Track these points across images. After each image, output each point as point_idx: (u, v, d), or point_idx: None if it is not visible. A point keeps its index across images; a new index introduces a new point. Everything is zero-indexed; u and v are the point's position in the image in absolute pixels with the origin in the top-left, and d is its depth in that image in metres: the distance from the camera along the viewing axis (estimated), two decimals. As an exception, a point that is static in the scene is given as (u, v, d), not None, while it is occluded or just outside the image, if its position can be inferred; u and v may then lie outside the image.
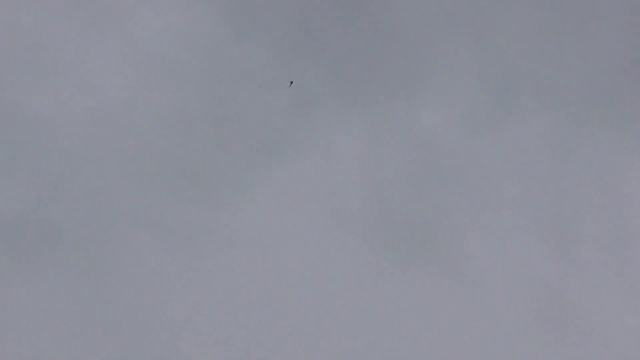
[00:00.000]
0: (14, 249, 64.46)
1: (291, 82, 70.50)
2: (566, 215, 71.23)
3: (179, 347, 62.63)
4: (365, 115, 72.21)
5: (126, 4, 73.99)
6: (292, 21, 74.74)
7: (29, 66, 72.01)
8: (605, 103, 73.16)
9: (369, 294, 68.76)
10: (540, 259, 70.52)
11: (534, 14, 75.24)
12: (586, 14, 75.15)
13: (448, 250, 70.05)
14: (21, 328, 60.42)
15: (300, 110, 72.00)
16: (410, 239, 69.98)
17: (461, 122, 72.94)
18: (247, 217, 69.35)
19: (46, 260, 64.37)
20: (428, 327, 68.24)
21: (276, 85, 72.64)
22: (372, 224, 70.06)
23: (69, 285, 63.48)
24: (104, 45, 72.65)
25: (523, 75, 73.96)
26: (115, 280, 65.16)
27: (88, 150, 69.11)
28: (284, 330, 66.75)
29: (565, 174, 71.94)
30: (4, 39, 72.59)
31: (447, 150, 72.08)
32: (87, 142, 69.39)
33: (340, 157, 71.18)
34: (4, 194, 66.60)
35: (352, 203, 70.46)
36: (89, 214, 67.65)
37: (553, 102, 73.23)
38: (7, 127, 69.88)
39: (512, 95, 73.60)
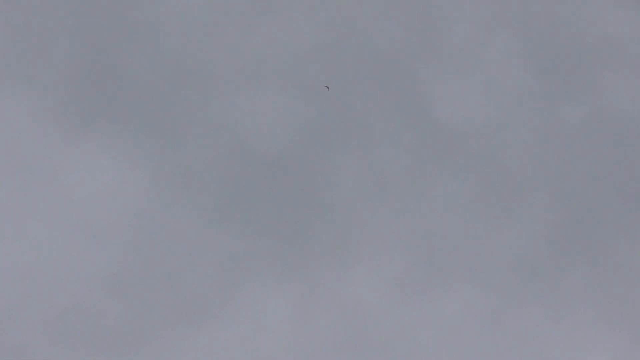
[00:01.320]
0: None
1: (327, 87, 70.39)
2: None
3: None
4: (295, 282, 72.20)
5: (57, 165, 74.16)
6: (223, 186, 75.47)
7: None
8: (532, 275, 74.35)
9: None
10: None
11: (461, 186, 77.14)
12: (513, 187, 77.28)
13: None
14: None
15: (230, 276, 71.78)
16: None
17: (391, 290, 73.26)
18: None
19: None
20: None
21: (206, 251, 72.55)
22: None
23: None
24: (34, 206, 72.31)
25: (452, 247, 75.08)
26: None
27: (14, 310, 67.76)
28: None
29: (493, 345, 72.20)
30: None
31: (376, 319, 72.05)
32: (14, 301, 68.09)
33: (269, 323, 70.64)
34: None
35: None
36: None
37: (484, 274, 74.19)
38: None
39: (442, 266, 74.46)
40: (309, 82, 79.32)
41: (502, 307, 73.21)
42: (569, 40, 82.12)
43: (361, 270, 73.62)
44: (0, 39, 77.14)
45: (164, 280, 70.88)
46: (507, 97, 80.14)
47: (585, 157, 78.60)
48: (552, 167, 78.16)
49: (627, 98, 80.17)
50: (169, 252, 71.78)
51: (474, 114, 79.71)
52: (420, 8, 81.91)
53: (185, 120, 77.24)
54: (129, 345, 68.29)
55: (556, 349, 72.40)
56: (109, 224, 72.38)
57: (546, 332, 72.51)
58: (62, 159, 74.62)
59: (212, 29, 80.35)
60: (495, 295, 73.43)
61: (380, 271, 73.84)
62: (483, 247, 75.01)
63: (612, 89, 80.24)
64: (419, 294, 73.36)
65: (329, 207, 75.54)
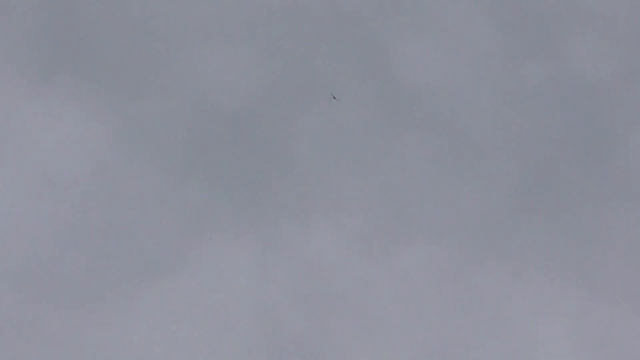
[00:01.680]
0: None
1: (334, 97, 70.68)
2: (454, 343, 71.67)
3: None
4: (256, 234, 72.44)
5: (19, 117, 73.94)
6: (186, 139, 75.50)
7: None
8: (494, 233, 74.92)
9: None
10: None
11: (423, 144, 77.55)
12: (474, 145, 77.77)
13: (335, 373, 69.67)
14: None
15: (191, 228, 71.90)
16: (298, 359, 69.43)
17: (352, 246, 73.66)
18: (133, 331, 67.98)
19: None
20: None
21: (167, 202, 72.63)
22: (258, 344, 69.34)
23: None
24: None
25: (413, 203, 75.52)
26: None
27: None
28: None
29: (453, 302, 72.76)
30: None
31: (337, 273, 72.43)
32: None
33: (230, 275, 70.84)
34: None
35: (239, 321, 69.79)
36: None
37: (444, 231, 74.69)
38: None
39: (402, 222, 74.88)
40: (273, 38, 79.49)
41: (462, 263, 73.80)
42: (532, 0, 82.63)
43: (322, 224, 73.97)
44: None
45: (125, 231, 70.93)
46: (470, 57, 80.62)
47: (547, 117, 79.25)
48: (514, 126, 78.77)
49: (590, 59, 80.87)
50: (130, 204, 71.84)
51: (437, 73, 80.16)
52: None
53: (149, 73, 77.20)
54: (89, 296, 68.36)
55: (515, 305, 73.06)
56: (71, 175, 72.32)
57: (506, 288, 73.17)
58: (24, 110, 74.44)
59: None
60: (456, 251, 74.01)
61: (341, 226, 74.22)
62: (444, 204, 75.54)
63: (575, 50, 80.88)
64: (379, 250, 73.81)
65: (291, 162, 75.79)
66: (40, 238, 69.71)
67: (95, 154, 73.25)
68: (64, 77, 75.87)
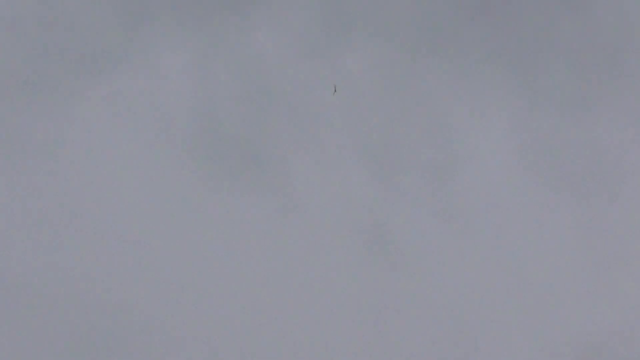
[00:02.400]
0: None
1: (335, 89, 70.01)
2: (393, 143, 72.13)
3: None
4: (197, 32, 71.29)
5: None
6: None
7: None
8: (435, 34, 74.13)
9: (193, 212, 68.33)
10: (365, 185, 71.32)
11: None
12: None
13: (275, 173, 70.11)
14: None
15: (130, 23, 70.57)
16: (237, 160, 69.74)
17: (294, 45, 72.82)
18: (71, 128, 67.86)
19: None
20: (252, 248, 68.31)
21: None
22: (199, 143, 69.53)
23: None
24: None
25: (357, 4, 74.20)
26: None
27: None
28: (110, 246, 65.85)
29: (394, 103, 72.76)
30: None
31: (278, 72, 71.94)
32: None
33: (170, 73, 70.22)
34: None
35: (179, 120, 69.72)
36: None
37: (385, 32, 73.79)
38: None
39: (346, 24, 73.81)
40: None
41: (403, 64, 73.37)
42: None
43: (266, 21, 72.80)
44: None
45: (64, 25, 69.61)
46: None
47: None
48: None
49: None
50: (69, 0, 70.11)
51: None
52: None
53: None
54: (30, 92, 67.79)
55: (458, 108, 73.26)
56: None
57: (447, 91, 73.16)
58: None
59: None
60: (398, 52, 73.41)
61: (285, 24, 73.09)
62: (387, 4, 74.26)
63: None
64: (322, 50, 73.09)
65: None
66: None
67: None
68: None
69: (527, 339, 65.54)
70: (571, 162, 72.26)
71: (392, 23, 74.02)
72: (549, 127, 72.97)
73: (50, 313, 58.58)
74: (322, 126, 71.66)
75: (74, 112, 68.29)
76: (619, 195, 70.63)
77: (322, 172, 71.08)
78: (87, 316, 61.18)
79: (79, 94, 68.70)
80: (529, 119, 73.17)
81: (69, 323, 58.88)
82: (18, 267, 61.67)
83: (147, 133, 69.04)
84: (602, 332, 67.15)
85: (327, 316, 66.20)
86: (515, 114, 73.31)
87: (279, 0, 73.34)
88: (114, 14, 70.66)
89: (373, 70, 73.19)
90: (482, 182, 71.91)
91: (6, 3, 69.42)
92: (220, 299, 66.20)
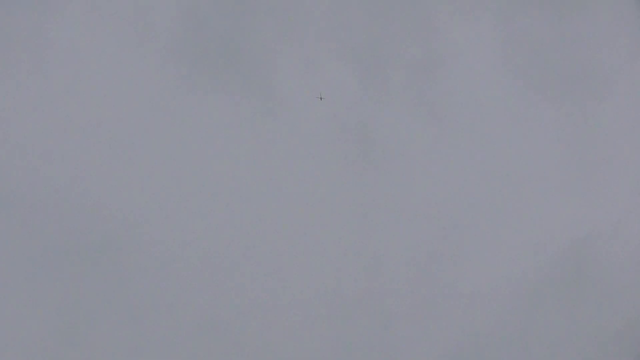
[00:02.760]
0: None
1: (321, 97, 68.84)
2: (378, 42, 71.62)
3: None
4: None
5: None
6: None
7: None
8: None
9: (176, 112, 67.97)
10: (350, 84, 71.01)
11: None
12: None
13: (258, 72, 69.62)
14: None
15: None
16: (221, 59, 69.10)
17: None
18: (55, 25, 66.82)
19: None
20: (236, 148, 68.17)
21: None
22: (182, 43, 68.75)
23: None
24: None
25: None
26: None
27: None
28: (94, 146, 65.54)
29: (378, 0, 72.02)
30: None
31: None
32: None
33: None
34: None
35: (162, 19, 68.73)
36: None
37: None
38: None
39: None
40: None
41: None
42: None
43: None
44: None
45: None
46: None
47: None
48: None
49: None
50: None
51: None
52: None
53: None
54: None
55: (443, 6, 72.65)
56: None
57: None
58: None
59: None
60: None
61: None
62: None
63: None
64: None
65: None
66: None
67: None
68: None
69: (512, 236, 66.19)
70: (556, 60, 72.06)
71: None
72: (535, 25, 72.52)
73: (38, 218, 58.21)
74: (306, 25, 70.90)
75: (57, 7, 67.14)
76: (604, 94, 70.70)
77: (306, 71, 70.59)
78: (73, 220, 60.90)
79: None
80: (514, 15, 72.62)
81: (56, 227, 58.61)
82: (5, 173, 61.09)
83: (130, 32, 68.08)
84: (584, 228, 67.89)
85: (312, 217, 66.46)
86: (501, 10, 72.70)
87: None
88: None
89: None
90: (467, 80, 71.72)
91: None
92: (205, 199, 66.19)
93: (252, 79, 69.26)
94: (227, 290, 62.63)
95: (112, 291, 59.03)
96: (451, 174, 68.34)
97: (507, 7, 72.79)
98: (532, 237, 65.75)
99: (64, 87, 66.36)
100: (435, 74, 71.82)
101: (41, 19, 66.95)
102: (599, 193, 68.76)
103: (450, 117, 71.36)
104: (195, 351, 57.80)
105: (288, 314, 61.98)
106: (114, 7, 68.31)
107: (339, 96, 70.66)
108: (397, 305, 61.72)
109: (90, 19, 67.85)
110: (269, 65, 69.77)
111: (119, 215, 62.18)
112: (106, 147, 65.77)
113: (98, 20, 67.88)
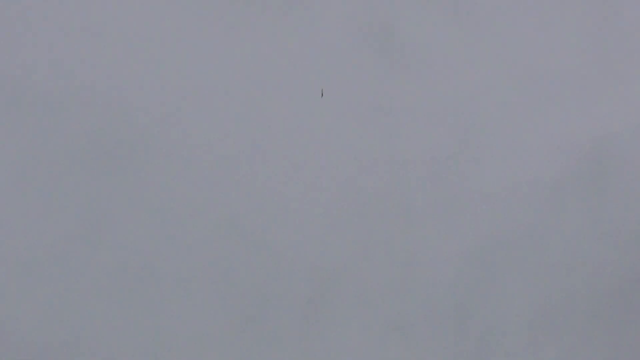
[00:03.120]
0: None
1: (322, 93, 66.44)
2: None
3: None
4: None
5: None
6: None
7: None
8: None
9: (192, 7, 67.14)
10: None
11: None
12: None
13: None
14: None
15: None
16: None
17: None
18: None
19: None
20: (254, 46, 67.58)
21: None
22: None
23: None
24: None
25: None
26: None
27: None
28: (106, 40, 64.90)
29: None
30: None
31: None
32: None
33: None
34: None
35: None
36: None
37: None
38: None
39: None
40: None
41: None
42: None
43: None
44: None
45: None
46: None
47: None
48: None
49: None
50: None
51: None
52: None
53: None
54: None
55: None
56: None
57: None
58: None
59: None
60: None
61: None
62: None
63: None
64: None
65: None
66: None
67: None
68: None
69: (533, 134, 65.91)
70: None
71: None
72: None
73: (49, 113, 58.36)
74: None
75: None
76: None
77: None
78: (85, 115, 60.93)
79: None
80: None
81: (69, 122, 58.89)
82: (16, 66, 60.94)
83: None
84: (606, 126, 67.58)
85: (333, 116, 66.41)
86: None
87: None
88: None
89: None
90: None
91: None
92: (221, 96, 66.13)
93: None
94: (248, 188, 63.00)
95: (131, 190, 59.20)
96: (473, 72, 67.83)
97: None
98: (554, 135, 65.38)
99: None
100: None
101: None
102: (623, 90, 68.27)
103: (473, 16, 70.46)
104: (215, 251, 58.17)
105: (308, 209, 62.37)
106: None
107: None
108: (418, 202, 61.96)
109: None
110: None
111: (141, 112, 62.11)
112: (119, 40, 65.42)
113: None
